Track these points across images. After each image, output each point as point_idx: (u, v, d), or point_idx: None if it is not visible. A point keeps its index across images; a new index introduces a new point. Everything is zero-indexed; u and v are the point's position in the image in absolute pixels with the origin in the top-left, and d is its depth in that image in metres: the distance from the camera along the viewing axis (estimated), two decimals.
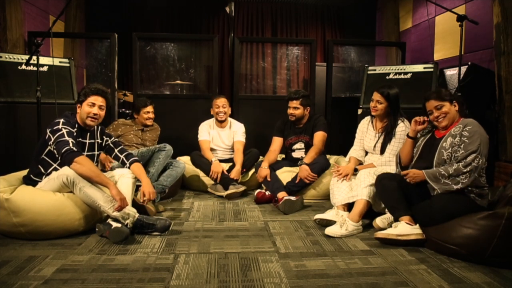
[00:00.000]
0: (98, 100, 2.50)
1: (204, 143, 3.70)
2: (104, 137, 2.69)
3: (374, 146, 2.90)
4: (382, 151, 2.84)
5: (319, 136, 3.32)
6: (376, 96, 2.83)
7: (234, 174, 3.44)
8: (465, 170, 2.12)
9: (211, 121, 3.83)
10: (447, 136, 2.28)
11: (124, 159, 2.68)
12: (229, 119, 3.84)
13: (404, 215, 2.26)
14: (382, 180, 2.45)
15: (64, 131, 2.33)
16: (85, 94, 2.49)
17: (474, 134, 2.16)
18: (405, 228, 2.20)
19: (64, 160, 2.30)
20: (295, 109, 3.34)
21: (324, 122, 3.40)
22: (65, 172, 2.28)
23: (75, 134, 2.41)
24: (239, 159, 3.56)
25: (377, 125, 2.94)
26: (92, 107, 2.47)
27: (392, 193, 2.35)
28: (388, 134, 2.82)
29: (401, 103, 2.84)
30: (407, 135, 2.53)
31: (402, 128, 2.77)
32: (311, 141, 3.38)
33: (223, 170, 3.46)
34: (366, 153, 3.04)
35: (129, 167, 2.64)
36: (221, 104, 3.69)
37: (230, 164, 3.62)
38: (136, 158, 2.72)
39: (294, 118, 3.38)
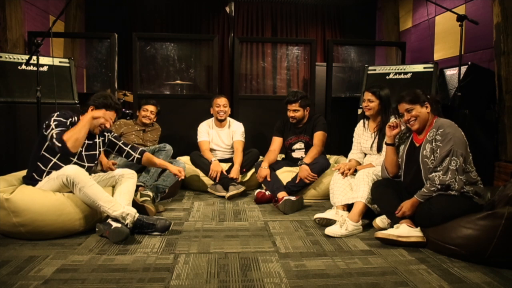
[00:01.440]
0: (113, 116, 2.56)
1: (203, 144, 3.71)
2: (105, 133, 2.69)
3: (371, 147, 2.91)
4: (379, 149, 2.86)
5: (319, 136, 3.32)
6: (367, 95, 2.86)
7: (233, 173, 3.44)
8: (447, 178, 2.11)
9: (210, 121, 3.83)
10: (425, 143, 2.28)
11: (131, 151, 2.74)
12: (228, 118, 3.85)
13: (404, 218, 2.26)
14: (378, 188, 2.46)
15: (53, 124, 2.34)
16: (107, 105, 2.51)
17: (445, 136, 2.16)
18: (406, 230, 2.19)
19: (59, 150, 2.31)
20: (295, 111, 3.34)
21: (324, 122, 3.39)
22: (65, 173, 2.28)
23: (68, 123, 2.41)
24: (238, 158, 3.56)
25: (371, 125, 2.97)
26: (105, 121, 2.51)
27: (388, 200, 2.35)
28: (381, 131, 2.84)
29: None
30: (385, 143, 2.53)
31: None
32: (311, 141, 3.38)
33: (222, 170, 3.46)
34: (365, 155, 3.05)
35: (140, 157, 2.73)
36: (222, 103, 3.69)
37: (230, 164, 3.62)
38: (143, 149, 2.81)
39: (295, 120, 3.38)
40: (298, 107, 3.32)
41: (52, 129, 2.32)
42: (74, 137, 2.31)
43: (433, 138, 2.22)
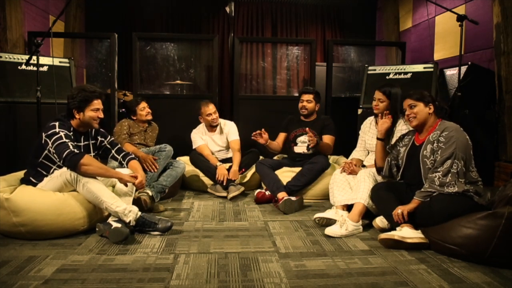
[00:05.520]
0: (100, 103, 2.50)
1: (202, 149, 3.68)
2: (98, 137, 2.67)
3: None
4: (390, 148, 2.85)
5: (330, 139, 3.41)
6: (378, 94, 2.85)
7: (231, 175, 3.43)
8: (447, 180, 2.14)
9: (201, 128, 3.82)
10: (426, 144, 2.29)
11: (121, 159, 2.70)
12: (219, 120, 3.81)
13: (405, 222, 2.25)
14: (378, 191, 2.45)
15: (61, 133, 2.31)
16: (86, 99, 2.42)
17: (449, 139, 2.18)
18: (409, 232, 2.18)
19: (68, 165, 2.27)
20: (308, 102, 3.45)
21: (334, 127, 3.46)
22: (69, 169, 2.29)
23: (72, 137, 2.39)
24: (236, 159, 3.56)
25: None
26: (97, 112, 2.47)
27: (389, 203, 2.35)
28: (388, 132, 2.83)
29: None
30: (377, 137, 2.61)
31: (403, 126, 2.78)
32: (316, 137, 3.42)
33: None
34: (368, 153, 3.04)
35: (126, 166, 2.65)
36: (212, 110, 3.67)
37: (230, 164, 3.61)
38: (133, 156, 2.73)
39: (306, 111, 3.46)
40: (312, 98, 3.45)
41: (62, 138, 2.28)
42: (92, 170, 2.30)
43: (435, 139, 2.24)
